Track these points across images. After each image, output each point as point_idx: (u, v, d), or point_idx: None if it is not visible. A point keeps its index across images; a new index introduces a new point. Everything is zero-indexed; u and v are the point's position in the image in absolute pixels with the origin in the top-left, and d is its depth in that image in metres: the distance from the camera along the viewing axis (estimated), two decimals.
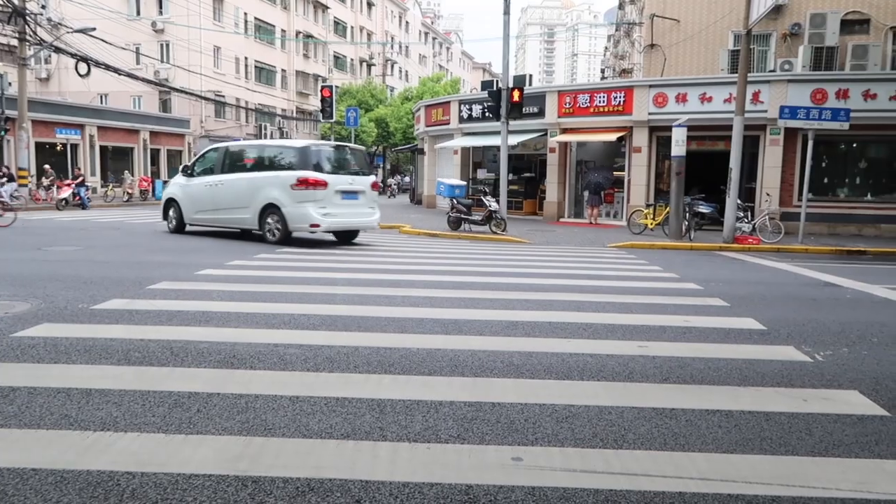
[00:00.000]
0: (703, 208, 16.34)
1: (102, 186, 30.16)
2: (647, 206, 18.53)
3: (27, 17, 23.21)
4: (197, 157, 14.26)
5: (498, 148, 18.61)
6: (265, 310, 6.14)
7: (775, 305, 7.30)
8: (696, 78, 20.09)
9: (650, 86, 20.06)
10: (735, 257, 13.10)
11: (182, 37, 37.22)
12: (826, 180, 18.97)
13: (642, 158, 20.13)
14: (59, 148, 29.67)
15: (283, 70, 47.81)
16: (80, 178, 23.99)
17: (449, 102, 26.32)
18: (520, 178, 24.61)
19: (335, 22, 54.79)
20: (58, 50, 25.25)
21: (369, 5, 61.09)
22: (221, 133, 39.65)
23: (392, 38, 66.02)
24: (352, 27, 58.00)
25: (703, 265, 11.40)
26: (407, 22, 70.88)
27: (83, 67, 24.19)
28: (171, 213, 14.09)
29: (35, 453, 2.92)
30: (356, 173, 12.58)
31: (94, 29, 23.83)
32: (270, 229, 12.17)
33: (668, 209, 16.41)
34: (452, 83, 56.88)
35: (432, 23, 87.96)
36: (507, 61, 17.78)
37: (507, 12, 17.60)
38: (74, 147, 30.39)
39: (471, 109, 24.52)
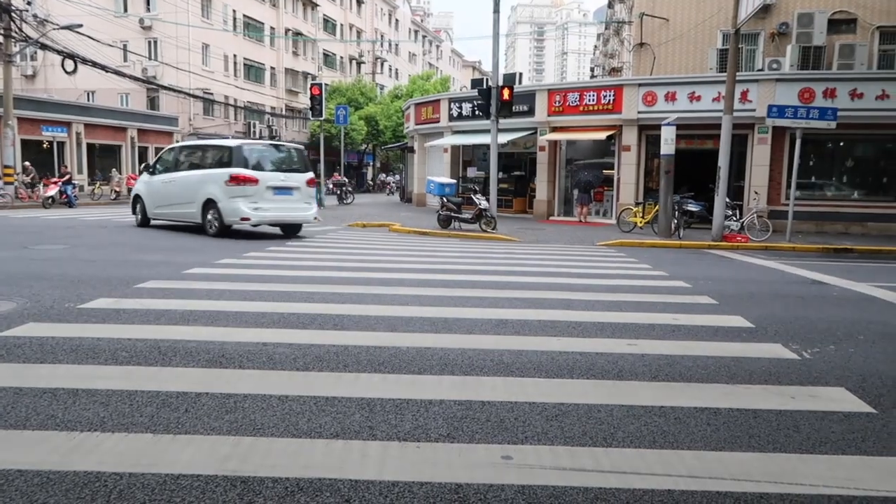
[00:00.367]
0: (692, 206, 16.42)
1: (90, 184, 29.93)
2: (637, 204, 18.60)
3: (12, 13, 22.98)
4: (158, 156, 15.33)
5: (488, 146, 18.62)
6: (254, 308, 6.11)
7: (763, 303, 7.34)
8: (685, 77, 20.18)
9: (639, 84, 20.12)
10: (723, 255, 13.17)
11: (170, 34, 36.96)
12: (813, 179, 19.12)
13: (632, 157, 20.20)
14: (45, 145, 29.41)
15: (273, 68, 47.60)
16: (67, 176, 23.78)
17: (439, 101, 26.30)
18: (510, 177, 24.64)
19: (325, 19, 54.60)
20: (44, 47, 25.00)
21: (359, 3, 60.93)
22: (210, 131, 39.42)
23: (382, 36, 65.87)
24: (341, 25, 57.82)
25: (692, 263, 11.46)
26: (396, 20, 70.74)
27: (70, 64, 23.99)
28: (137, 208, 15.15)
29: (20, 454, 2.89)
30: (292, 171, 13.36)
31: (80, 25, 23.63)
32: (210, 223, 13.03)
33: (657, 207, 16.48)
34: (442, 81, 56.83)
35: (422, 20, 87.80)
36: (496, 59, 17.78)
37: (496, 10, 17.60)
38: (61, 145, 30.13)
39: (461, 108, 24.51)
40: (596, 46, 76.10)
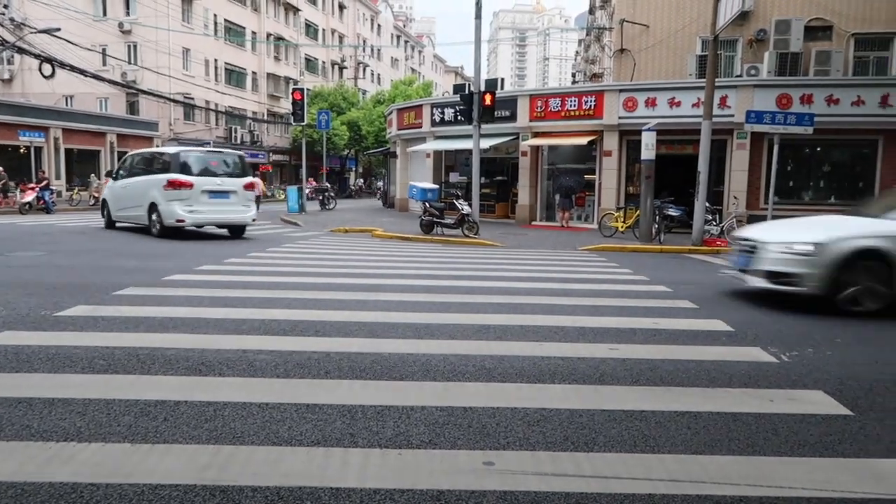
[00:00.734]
0: (673, 211, 16.56)
1: (68, 190, 29.55)
2: (618, 209, 18.71)
3: None
4: (120, 162, 16.41)
5: (470, 151, 18.66)
6: (234, 315, 6.06)
7: (742, 307, 7.42)
8: (664, 82, 20.37)
9: (620, 90, 20.28)
10: (704, 259, 13.29)
11: (150, 38, 36.65)
12: (791, 183, 19.36)
13: (613, 162, 20.34)
14: (22, 150, 28.99)
15: (254, 72, 47.37)
16: (45, 182, 23.47)
17: (421, 106, 26.31)
18: (492, 182, 24.69)
19: (306, 24, 54.46)
20: (21, 50, 24.70)
21: (341, 8, 60.86)
22: (191, 136, 39.12)
23: (364, 41, 65.84)
24: (323, 30, 57.71)
25: (673, 268, 11.55)
26: (379, 25, 70.75)
27: (47, 68, 23.69)
28: (105, 211, 16.29)
29: None
30: (229, 176, 14.19)
31: (58, 29, 23.35)
32: (154, 223, 13.93)
33: (638, 212, 16.60)
34: (425, 86, 56.90)
35: (404, 26, 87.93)
36: (478, 65, 17.84)
37: (478, 16, 17.66)
38: (38, 150, 29.71)
39: (443, 113, 24.54)
40: (577, 52, 76.64)
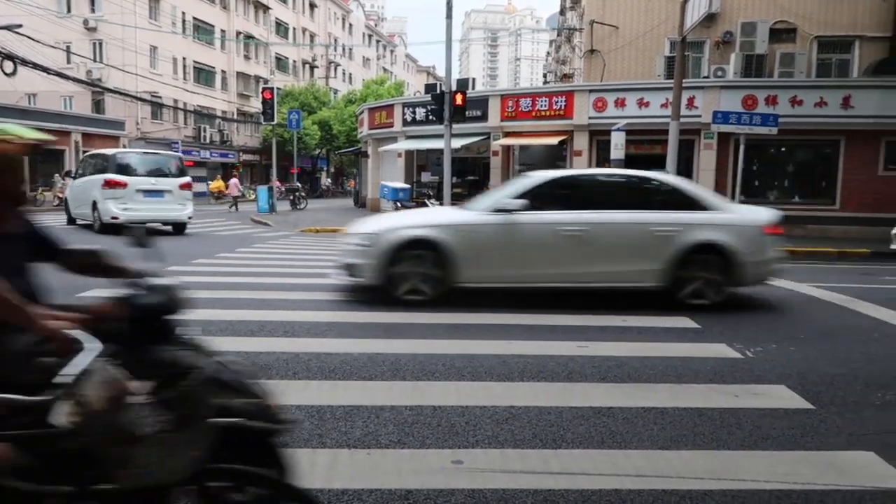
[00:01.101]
0: None
1: (32, 190, 28.87)
2: None
3: None
4: (79, 162, 17.36)
5: (442, 151, 18.66)
6: (200, 317, 5.96)
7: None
8: (634, 83, 20.59)
9: (590, 91, 20.44)
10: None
11: (116, 36, 35.98)
12: (757, 183, 19.70)
13: (583, 162, 20.49)
14: None
15: (224, 71, 46.79)
16: None
17: (392, 105, 26.23)
18: (464, 181, 24.70)
19: (277, 23, 53.96)
20: None
21: (312, 7, 60.40)
22: (159, 135, 38.50)
23: (335, 41, 65.46)
24: (294, 28, 57.23)
25: None
26: (350, 24, 70.41)
27: (8, 66, 23.09)
28: (67, 209, 17.08)
29: None
30: (165, 176, 15.08)
31: (20, 26, 22.84)
32: (95, 220, 14.70)
33: None
34: (396, 86, 56.75)
35: (376, 25, 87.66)
36: (449, 65, 17.84)
37: (449, 16, 17.66)
38: None
39: (414, 112, 24.50)
40: (548, 53, 77.13)
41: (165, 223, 15.38)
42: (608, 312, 6.73)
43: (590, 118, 20.08)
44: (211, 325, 5.61)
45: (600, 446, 3.29)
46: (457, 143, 19.91)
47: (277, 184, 28.64)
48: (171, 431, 1.76)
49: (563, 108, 20.48)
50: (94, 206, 14.66)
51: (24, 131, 2.17)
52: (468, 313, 6.50)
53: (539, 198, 7.10)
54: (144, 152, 16.35)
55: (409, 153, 25.55)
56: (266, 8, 51.35)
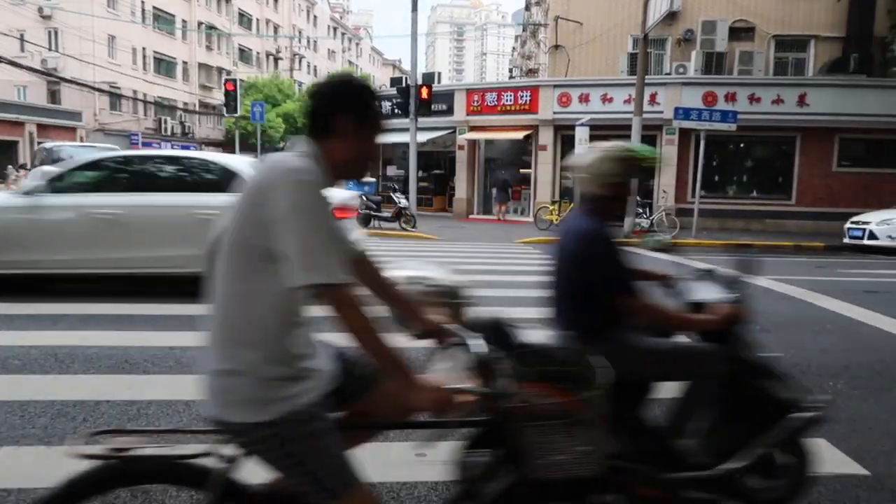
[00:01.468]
0: None
1: None
2: (553, 202, 19.04)
3: None
4: (33, 154, 19.42)
5: (407, 145, 18.62)
6: (162, 311, 5.87)
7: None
8: (597, 79, 20.82)
9: (555, 86, 20.61)
10: (634, 251, 13.65)
11: (73, 24, 35.00)
12: (717, 178, 20.11)
13: (548, 156, 20.67)
14: None
15: (185, 62, 45.90)
16: None
17: None
18: (429, 175, 24.72)
19: (240, 13, 53.11)
20: None
21: None
22: (118, 127, 37.62)
23: (299, 32, 64.68)
24: (257, 19, 56.38)
25: None
26: (315, 16, 69.63)
27: None
28: None
29: None
30: None
31: None
32: None
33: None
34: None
35: (341, 18, 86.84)
36: (415, 58, 17.81)
37: (414, 9, 17.62)
38: None
39: (380, 106, 24.36)
40: (514, 48, 77.40)
41: None
42: None
43: (554, 113, 20.23)
44: (173, 321, 5.51)
45: None
46: (422, 137, 19.89)
47: None
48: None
49: (528, 102, 20.60)
50: None
51: None
52: None
53: (80, 179, 6.76)
54: (81, 145, 17.93)
55: None
56: None
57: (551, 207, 18.42)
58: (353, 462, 1.64)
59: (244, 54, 54.49)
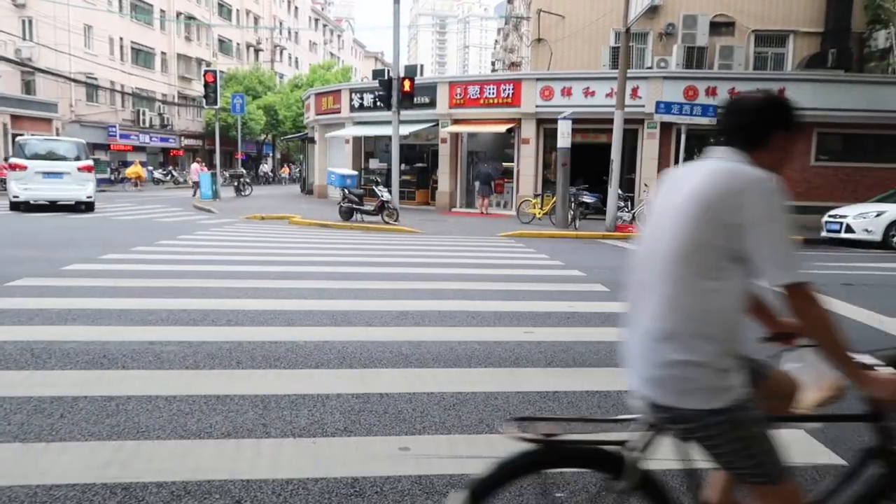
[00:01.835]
0: (587, 198, 17.00)
1: None
2: (535, 196, 19.06)
3: None
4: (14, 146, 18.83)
5: (390, 138, 18.53)
6: (140, 306, 5.80)
7: None
8: (580, 73, 20.84)
9: (537, 79, 20.60)
10: (617, 245, 13.73)
11: (47, 13, 34.32)
12: None
13: (530, 150, 20.68)
14: None
15: (164, 53, 45.23)
16: None
17: (340, 91, 25.88)
18: (412, 169, 24.63)
19: (220, 4, 52.42)
20: None
21: None
22: (94, 118, 37.03)
23: (280, 23, 64.02)
24: (237, 10, 55.70)
25: (587, 253, 11.88)
26: (296, 7, 68.95)
27: None
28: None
29: None
30: (66, 160, 16.93)
31: None
32: (9, 199, 16.76)
33: (554, 199, 16.97)
34: (344, 71, 55.97)
35: (323, 9, 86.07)
36: (397, 50, 17.70)
37: (397, 1, 17.50)
38: None
39: (362, 98, 24.23)
40: (496, 41, 77.33)
41: (65, 201, 16.97)
42: (554, 299, 6.82)
43: (537, 106, 20.24)
44: (151, 315, 5.45)
45: None
46: (405, 130, 19.80)
47: (203, 168, 27.21)
48: None
49: (510, 96, 20.59)
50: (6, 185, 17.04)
51: None
52: (414, 301, 6.50)
53: None
54: (47, 139, 18.92)
55: (356, 140, 25.29)
56: None
57: (533, 201, 18.46)
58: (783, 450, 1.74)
59: (224, 45, 53.85)
